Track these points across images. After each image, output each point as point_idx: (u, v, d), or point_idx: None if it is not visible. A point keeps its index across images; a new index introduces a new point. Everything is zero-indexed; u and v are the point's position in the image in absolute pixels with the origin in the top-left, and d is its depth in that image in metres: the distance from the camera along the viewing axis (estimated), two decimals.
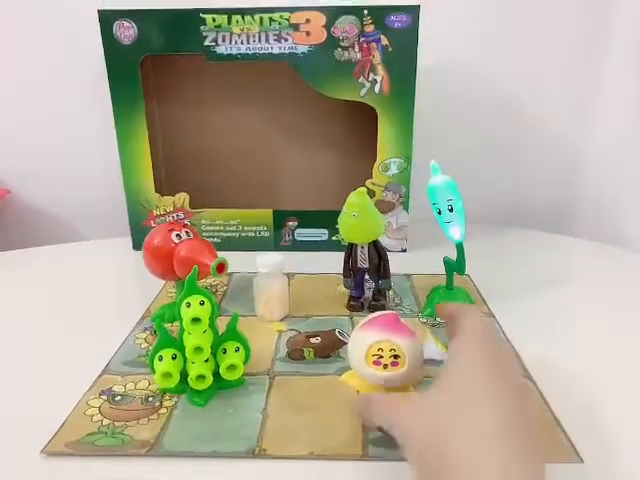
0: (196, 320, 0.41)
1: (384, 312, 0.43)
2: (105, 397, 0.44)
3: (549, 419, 0.41)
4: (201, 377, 0.42)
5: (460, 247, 0.55)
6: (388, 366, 0.40)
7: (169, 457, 0.38)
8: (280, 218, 0.75)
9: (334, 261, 0.60)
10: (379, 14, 0.64)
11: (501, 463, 0.27)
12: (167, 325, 0.47)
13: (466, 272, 0.57)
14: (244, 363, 0.44)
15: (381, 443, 0.39)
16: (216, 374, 0.43)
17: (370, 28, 0.65)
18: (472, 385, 0.32)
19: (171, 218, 0.75)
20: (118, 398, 0.44)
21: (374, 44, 0.66)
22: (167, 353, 0.43)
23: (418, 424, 0.32)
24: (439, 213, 0.54)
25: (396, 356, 0.40)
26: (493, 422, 0.29)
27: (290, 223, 0.76)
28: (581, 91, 0.85)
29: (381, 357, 0.40)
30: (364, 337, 0.41)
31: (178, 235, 0.54)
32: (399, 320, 0.42)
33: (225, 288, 0.64)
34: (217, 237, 0.76)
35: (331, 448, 0.38)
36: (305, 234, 0.76)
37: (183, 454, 0.38)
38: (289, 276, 0.62)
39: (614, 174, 0.84)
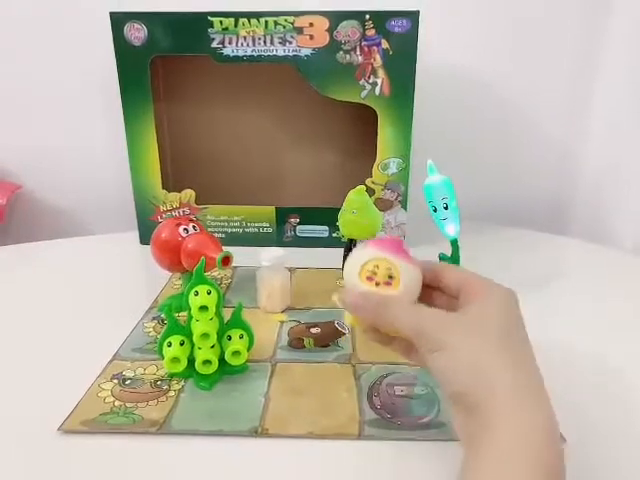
0: (203, 308, 0.44)
1: (391, 235, 0.40)
2: (116, 381, 0.47)
3: None
4: (207, 362, 0.45)
5: (455, 243, 0.58)
6: (380, 284, 0.35)
7: (177, 435, 0.40)
8: (282, 215, 0.78)
9: (334, 257, 0.63)
10: (380, 19, 0.67)
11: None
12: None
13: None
14: (248, 349, 0.47)
15: (376, 424, 0.41)
16: (221, 360, 0.46)
17: (371, 32, 0.67)
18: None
19: (177, 214, 0.77)
20: (128, 382, 0.46)
21: (375, 48, 0.68)
22: (175, 339, 0.45)
23: (466, 342, 0.30)
24: (435, 211, 0.57)
25: (390, 276, 0.35)
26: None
27: (292, 220, 0.78)
28: (578, 92, 0.87)
29: (375, 274, 0.36)
30: (364, 252, 0.37)
31: (185, 229, 0.57)
32: (402, 245, 0.37)
33: (229, 281, 0.67)
34: (221, 232, 0.79)
35: (329, 428, 0.41)
36: (306, 230, 0.78)
37: (190, 432, 0.40)
38: (291, 270, 0.64)
39: (609, 175, 0.87)
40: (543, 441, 0.27)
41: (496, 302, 0.33)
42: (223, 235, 0.79)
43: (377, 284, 0.35)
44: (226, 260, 0.53)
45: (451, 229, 0.57)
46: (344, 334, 0.54)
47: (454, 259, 0.59)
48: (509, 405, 0.28)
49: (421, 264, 0.37)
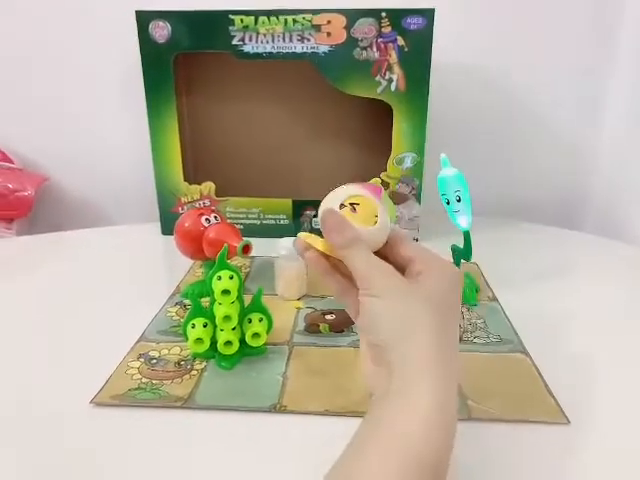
0: (226, 292, 0.46)
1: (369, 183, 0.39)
2: (143, 360, 0.49)
3: (540, 386, 0.45)
4: (229, 343, 0.47)
5: (467, 235, 0.60)
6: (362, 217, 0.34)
7: (200, 409, 0.43)
8: (299, 207, 0.80)
9: None
10: (396, 16, 0.68)
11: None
12: None
13: (473, 260, 0.62)
14: (267, 332, 0.49)
15: None
16: (242, 342, 0.49)
17: (387, 29, 0.69)
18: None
19: (198, 205, 0.80)
20: (154, 361, 0.49)
21: (391, 44, 0.70)
22: (199, 321, 0.48)
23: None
24: (447, 203, 0.59)
25: (374, 214, 0.35)
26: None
27: (308, 212, 0.80)
28: (590, 88, 0.88)
29: (355, 209, 0.34)
30: (346, 188, 0.36)
31: (207, 219, 0.60)
32: (382, 191, 0.36)
33: (248, 270, 0.70)
34: (240, 224, 0.81)
35: (344, 406, 0.43)
36: None
37: (212, 407, 0.43)
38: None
39: (621, 170, 0.87)
40: (420, 433, 0.27)
41: (440, 277, 0.33)
42: (241, 226, 0.81)
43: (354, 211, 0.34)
44: (247, 248, 0.56)
45: (463, 221, 0.59)
46: None
47: (466, 251, 0.61)
48: (409, 381, 0.29)
49: None
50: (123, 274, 0.69)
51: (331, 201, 0.35)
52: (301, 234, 0.37)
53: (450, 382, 0.30)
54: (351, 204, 0.34)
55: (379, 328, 0.31)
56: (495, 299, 0.61)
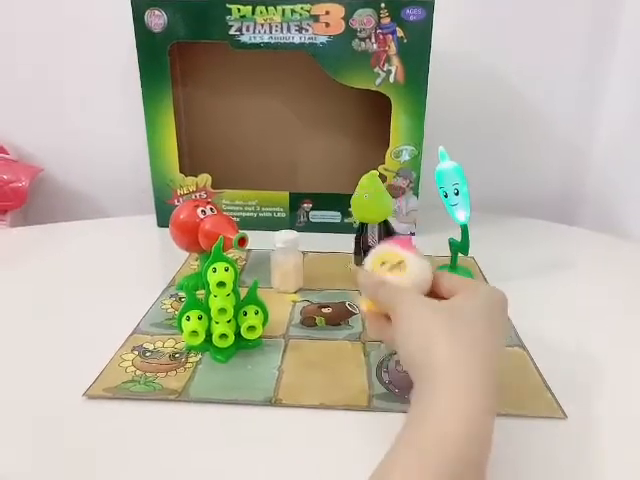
0: (221, 284, 0.46)
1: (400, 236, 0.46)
2: (137, 352, 0.49)
3: (537, 380, 0.45)
4: (224, 336, 0.47)
5: (465, 229, 0.59)
6: (393, 269, 0.40)
7: (195, 403, 0.43)
8: (296, 200, 0.80)
9: (346, 242, 0.65)
10: (395, 7, 0.68)
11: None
12: None
13: (470, 254, 0.61)
14: (263, 325, 0.49)
15: (384, 397, 0.43)
16: (237, 335, 0.48)
17: (386, 20, 0.68)
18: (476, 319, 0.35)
19: (194, 197, 0.79)
20: (148, 354, 0.49)
21: (390, 36, 0.69)
22: (194, 314, 0.47)
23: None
24: (445, 196, 0.58)
25: (400, 262, 0.40)
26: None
27: (305, 205, 0.80)
28: (588, 85, 0.88)
29: (384, 263, 0.41)
30: (377, 249, 0.43)
31: (203, 211, 0.59)
32: (411, 242, 0.42)
33: (244, 263, 0.69)
34: (236, 216, 0.81)
35: (339, 400, 0.43)
36: (319, 216, 0.80)
37: (207, 400, 0.43)
38: (303, 254, 0.66)
39: (617, 166, 0.87)
40: (461, 431, 0.28)
41: (471, 294, 0.37)
42: (238, 219, 0.80)
43: (384, 265, 0.41)
44: (242, 241, 0.55)
45: (461, 215, 0.58)
46: (355, 314, 0.56)
47: (464, 244, 0.60)
48: (442, 380, 0.31)
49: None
50: (118, 266, 0.68)
51: (366, 264, 0.43)
52: (362, 302, 0.42)
53: (480, 380, 0.31)
54: (382, 263, 0.41)
55: (405, 345, 0.35)
56: None
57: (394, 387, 0.44)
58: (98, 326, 0.54)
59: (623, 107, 0.84)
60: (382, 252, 0.42)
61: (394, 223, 0.75)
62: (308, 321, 0.54)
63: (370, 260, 0.42)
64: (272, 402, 0.42)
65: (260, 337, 0.49)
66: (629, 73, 0.83)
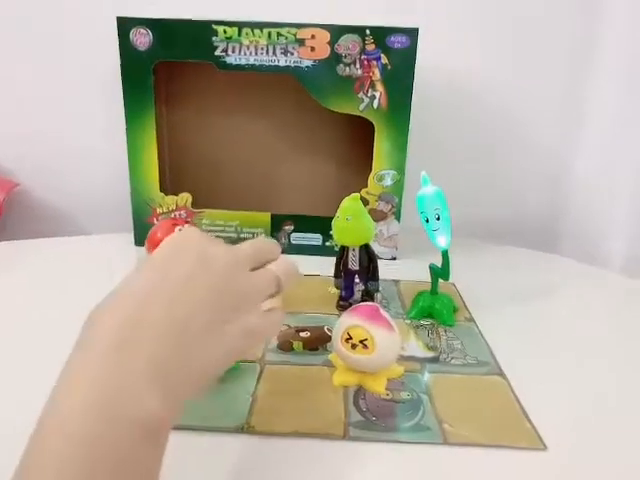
0: None
1: (367, 303, 0.47)
2: None
3: (517, 410, 0.44)
4: None
5: (445, 254, 0.59)
6: (358, 347, 0.43)
7: None
8: (277, 222, 0.79)
9: (327, 265, 0.64)
10: (380, 34, 0.69)
11: None
12: None
13: (451, 280, 0.61)
14: None
15: (362, 426, 0.42)
16: None
17: (371, 47, 0.69)
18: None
19: (174, 216, 0.78)
20: None
21: (374, 62, 0.70)
22: None
23: None
24: (427, 221, 0.58)
25: (364, 340, 0.43)
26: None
27: (286, 227, 0.79)
28: (570, 107, 0.89)
29: (351, 338, 0.43)
30: (344, 319, 0.45)
31: (180, 230, 0.58)
32: (378, 311, 0.44)
33: None
34: (217, 237, 0.79)
35: (315, 428, 0.41)
36: (300, 238, 0.79)
37: (177, 427, 0.41)
38: None
39: (599, 192, 0.88)
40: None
41: None
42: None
43: (353, 347, 0.43)
44: None
45: (442, 240, 0.58)
46: None
47: (444, 270, 0.60)
48: None
49: (398, 326, 0.45)
50: (93, 285, 0.65)
51: (334, 339, 0.45)
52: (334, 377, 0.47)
53: None
54: (347, 338, 0.43)
55: None
56: (472, 320, 0.60)
57: (371, 415, 0.43)
58: (65, 354, 0.52)
59: (607, 129, 0.86)
60: (348, 325, 0.43)
61: (376, 247, 0.75)
62: (285, 346, 0.53)
63: (336, 333, 0.44)
64: (244, 429, 0.41)
65: (236, 362, 0.47)
66: (612, 98, 0.84)
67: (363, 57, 0.70)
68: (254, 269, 0.35)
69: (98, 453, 0.23)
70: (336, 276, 0.62)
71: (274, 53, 0.70)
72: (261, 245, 0.38)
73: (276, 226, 0.79)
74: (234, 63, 0.71)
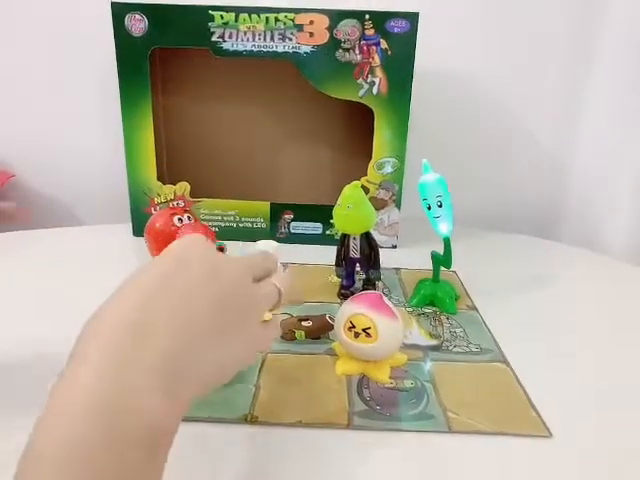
0: None
1: (370, 291, 0.46)
2: None
3: (521, 397, 0.44)
4: None
5: (447, 241, 0.58)
6: (361, 336, 0.41)
7: None
8: (277, 211, 0.78)
9: (327, 254, 0.63)
10: (380, 19, 0.67)
11: None
12: None
13: (452, 268, 0.60)
14: None
15: (365, 415, 0.41)
16: None
17: (371, 32, 0.68)
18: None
19: (171, 205, 0.77)
20: None
21: (374, 47, 0.69)
22: None
23: None
24: (429, 208, 0.57)
25: (367, 328, 0.41)
26: None
27: (286, 216, 0.78)
28: (569, 103, 0.89)
29: (354, 327, 0.42)
30: (346, 307, 0.43)
31: (180, 219, 0.57)
32: (381, 299, 0.43)
33: None
34: (215, 226, 0.79)
35: (319, 418, 0.41)
36: (300, 227, 0.79)
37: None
38: (284, 265, 0.64)
39: (598, 183, 0.88)
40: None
41: None
42: (217, 229, 0.79)
43: (356, 335, 0.42)
44: (219, 250, 0.53)
45: (444, 227, 0.57)
46: None
47: (446, 258, 0.59)
48: None
49: (402, 314, 0.43)
50: (91, 276, 0.66)
51: (336, 330, 0.44)
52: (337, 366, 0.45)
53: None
54: (350, 327, 0.42)
55: None
56: (474, 308, 0.60)
57: (375, 404, 0.43)
58: (69, 339, 0.51)
59: (606, 124, 0.85)
60: (351, 313, 0.42)
61: (376, 235, 0.75)
62: (287, 335, 0.53)
63: (339, 322, 0.43)
64: (248, 419, 0.40)
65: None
66: (611, 95, 0.83)
67: (362, 42, 0.69)
68: (257, 280, 0.36)
69: (98, 458, 0.23)
70: (337, 264, 0.61)
71: (272, 39, 0.69)
72: (263, 257, 0.39)
73: (275, 215, 0.78)
74: (231, 49, 0.70)
